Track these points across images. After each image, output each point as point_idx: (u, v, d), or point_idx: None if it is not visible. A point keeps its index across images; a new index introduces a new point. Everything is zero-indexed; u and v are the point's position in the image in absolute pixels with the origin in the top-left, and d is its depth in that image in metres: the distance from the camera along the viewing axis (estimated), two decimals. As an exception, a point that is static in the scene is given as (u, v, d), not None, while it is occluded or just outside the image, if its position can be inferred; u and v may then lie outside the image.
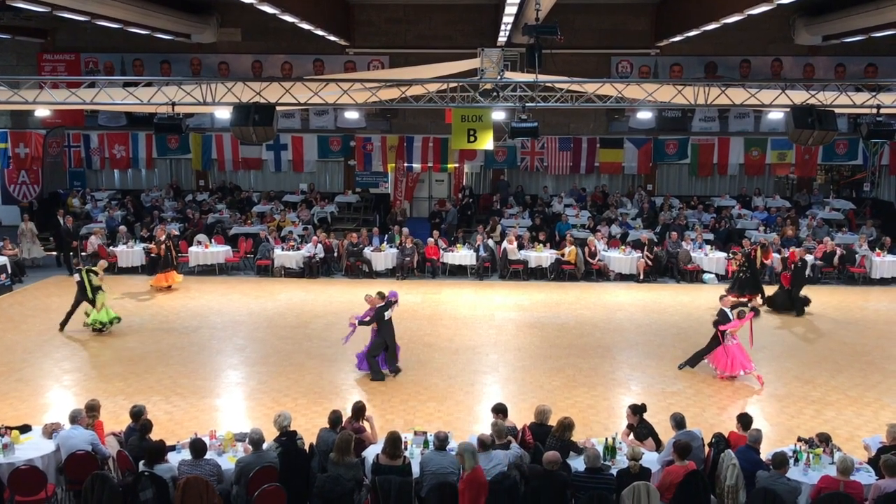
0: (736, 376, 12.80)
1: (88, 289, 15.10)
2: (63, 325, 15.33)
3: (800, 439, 8.93)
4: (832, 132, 12.95)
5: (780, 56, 24.94)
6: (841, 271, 20.21)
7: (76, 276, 15.34)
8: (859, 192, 26.52)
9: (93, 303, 15.13)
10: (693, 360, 13.32)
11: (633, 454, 8.01)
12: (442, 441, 8.22)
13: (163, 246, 18.80)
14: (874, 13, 18.07)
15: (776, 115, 20.82)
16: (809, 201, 25.37)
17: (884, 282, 19.79)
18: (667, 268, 20.42)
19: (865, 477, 8.17)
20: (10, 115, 25.81)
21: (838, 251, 20.05)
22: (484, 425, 10.34)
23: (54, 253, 21.51)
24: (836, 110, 13.15)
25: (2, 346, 14.41)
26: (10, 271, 18.84)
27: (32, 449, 8.68)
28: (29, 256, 20.56)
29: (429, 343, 14.85)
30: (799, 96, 13.66)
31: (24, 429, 9.11)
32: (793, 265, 17.35)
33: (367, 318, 12.65)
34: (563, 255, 20.16)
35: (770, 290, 17.78)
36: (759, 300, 17.42)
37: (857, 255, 20.18)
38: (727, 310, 13.05)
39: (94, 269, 15.46)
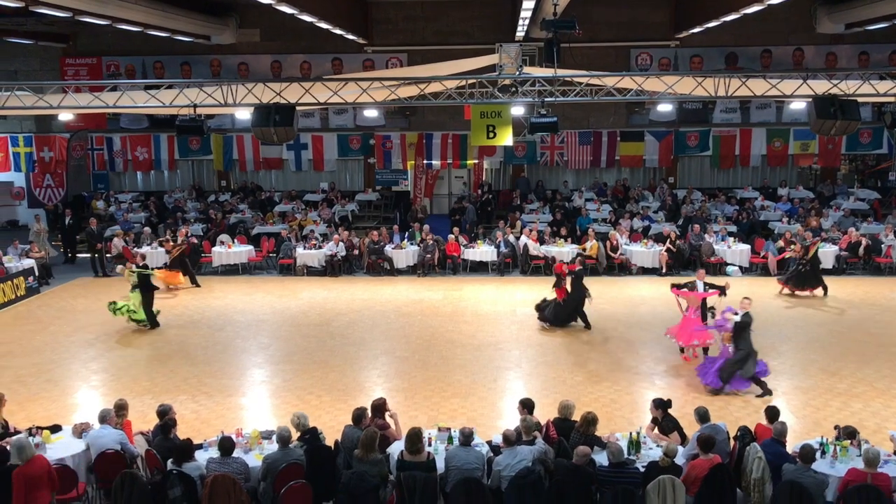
0: (690, 347, 13.20)
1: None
2: (153, 322, 15.64)
3: (836, 428, 8.88)
4: (855, 122, 12.80)
5: (802, 45, 24.68)
6: (867, 262, 19.99)
7: (133, 279, 15.62)
8: (884, 181, 26.18)
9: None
10: None
11: (668, 450, 7.99)
12: (467, 437, 8.24)
13: (177, 248, 19.00)
14: (898, 0, 17.83)
15: (798, 106, 20.61)
16: (834, 191, 25.07)
17: (911, 272, 19.58)
18: (690, 261, 20.29)
19: (893, 469, 8.09)
20: (34, 119, 26.16)
21: (864, 241, 19.83)
22: (508, 421, 10.35)
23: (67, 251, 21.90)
24: (860, 99, 12.99)
25: (31, 348, 14.62)
26: (37, 273, 19.10)
27: (63, 448, 8.80)
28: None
29: (451, 339, 14.88)
30: (821, 86, 13.51)
31: (55, 429, 9.25)
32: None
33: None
34: (584, 249, 20.11)
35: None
36: (820, 292, 17.61)
37: (882, 245, 19.94)
38: (700, 282, 13.55)
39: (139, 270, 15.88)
